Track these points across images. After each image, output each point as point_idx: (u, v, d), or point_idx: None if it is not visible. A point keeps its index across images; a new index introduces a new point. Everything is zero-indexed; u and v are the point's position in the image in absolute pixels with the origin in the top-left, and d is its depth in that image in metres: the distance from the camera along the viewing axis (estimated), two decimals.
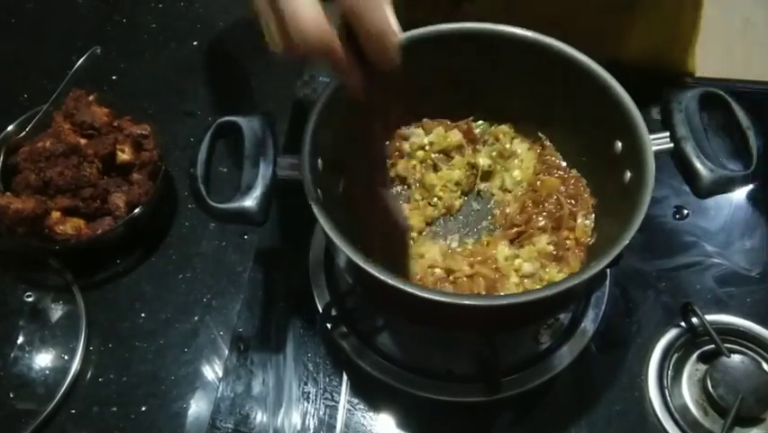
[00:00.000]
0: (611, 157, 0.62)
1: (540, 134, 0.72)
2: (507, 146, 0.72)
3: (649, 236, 0.74)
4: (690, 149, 0.58)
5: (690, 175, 0.58)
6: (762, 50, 1.22)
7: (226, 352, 0.69)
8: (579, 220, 0.66)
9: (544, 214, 0.67)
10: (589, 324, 0.68)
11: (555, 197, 0.67)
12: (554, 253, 0.65)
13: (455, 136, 0.71)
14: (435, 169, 0.71)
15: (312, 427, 0.64)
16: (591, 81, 0.61)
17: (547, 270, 0.64)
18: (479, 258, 0.65)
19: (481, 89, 0.70)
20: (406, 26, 0.48)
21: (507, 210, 0.68)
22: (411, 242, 0.67)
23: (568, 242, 0.65)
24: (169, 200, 0.79)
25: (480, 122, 0.73)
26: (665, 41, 0.86)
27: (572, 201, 0.67)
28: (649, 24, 0.83)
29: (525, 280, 0.64)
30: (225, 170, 0.77)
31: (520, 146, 0.72)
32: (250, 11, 0.46)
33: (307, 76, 0.88)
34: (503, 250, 0.65)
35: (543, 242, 0.65)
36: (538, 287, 0.64)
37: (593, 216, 0.66)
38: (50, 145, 0.72)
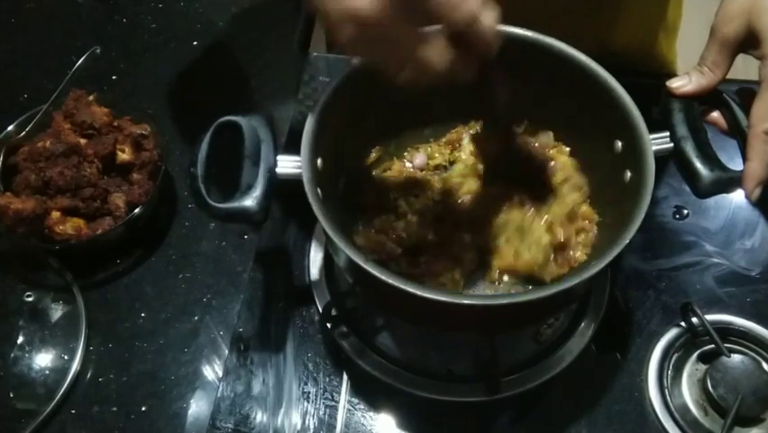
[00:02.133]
0: (611, 157, 0.62)
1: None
2: None
3: (649, 236, 0.74)
4: (690, 149, 0.58)
5: (690, 175, 0.58)
6: None
7: (226, 352, 0.69)
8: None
9: None
10: (589, 324, 0.68)
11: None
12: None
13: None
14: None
15: (312, 427, 0.64)
16: (591, 81, 0.61)
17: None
18: None
19: (481, 90, 0.70)
20: None
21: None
22: None
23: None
24: (168, 200, 0.79)
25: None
26: (651, 33, 0.87)
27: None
28: (636, 15, 0.84)
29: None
30: (225, 170, 0.77)
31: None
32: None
33: (307, 76, 0.88)
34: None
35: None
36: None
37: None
38: (50, 145, 0.72)
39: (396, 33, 0.45)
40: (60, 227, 0.70)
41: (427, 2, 0.44)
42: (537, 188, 0.67)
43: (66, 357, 0.68)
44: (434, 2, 0.44)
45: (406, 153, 0.74)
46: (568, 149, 0.70)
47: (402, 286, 0.50)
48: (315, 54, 0.90)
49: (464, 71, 0.49)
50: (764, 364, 0.64)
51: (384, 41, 0.46)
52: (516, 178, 0.68)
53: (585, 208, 0.67)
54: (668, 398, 0.64)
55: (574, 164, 0.68)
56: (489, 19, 0.46)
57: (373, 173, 0.71)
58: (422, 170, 0.73)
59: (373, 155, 0.71)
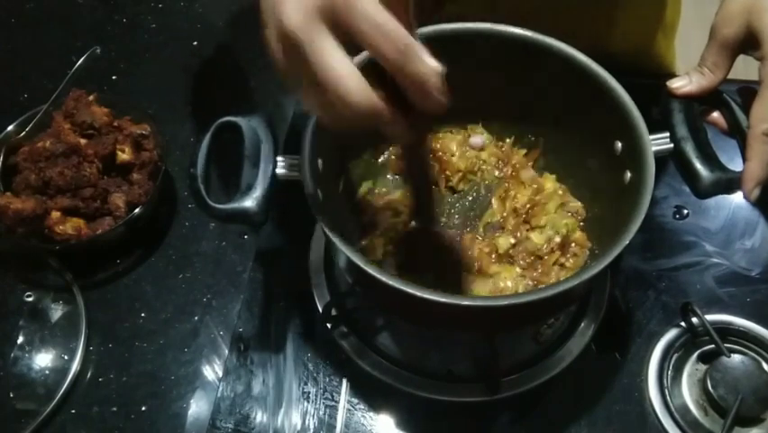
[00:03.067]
0: (611, 157, 0.62)
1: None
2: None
3: (649, 236, 0.74)
4: (690, 149, 0.58)
5: (690, 175, 0.58)
6: None
7: (226, 352, 0.69)
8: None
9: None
10: (589, 324, 0.68)
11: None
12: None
13: None
14: None
15: (312, 427, 0.64)
16: (591, 81, 0.61)
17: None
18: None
19: (480, 90, 0.70)
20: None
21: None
22: None
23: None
24: (169, 200, 0.79)
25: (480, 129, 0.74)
26: (650, 33, 0.87)
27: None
28: (635, 15, 0.84)
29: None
30: (225, 170, 0.77)
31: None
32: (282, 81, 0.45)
33: None
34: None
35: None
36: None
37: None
38: (50, 145, 0.72)
39: (309, 53, 0.40)
40: (60, 227, 0.70)
41: (352, 24, 0.40)
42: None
43: (66, 357, 0.68)
44: (358, 25, 0.39)
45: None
46: (554, 175, 0.71)
47: (402, 286, 0.50)
48: None
49: (396, 127, 0.43)
50: (764, 364, 0.64)
51: (301, 64, 0.41)
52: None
53: (578, 235, 0.67)
54: (668, 398, 0.64)
55: (563, 189, 0.69)
56: (419, 63, 0.40)
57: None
58: (481, 149, 0.72)
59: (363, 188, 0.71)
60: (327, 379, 0.67)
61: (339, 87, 0.40)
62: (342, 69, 0.40)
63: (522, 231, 0.67)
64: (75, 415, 0.65)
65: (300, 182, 0.56)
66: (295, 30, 0.40)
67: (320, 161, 0.59)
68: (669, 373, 0.66)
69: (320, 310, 0.69)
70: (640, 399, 0.65)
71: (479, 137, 0.73)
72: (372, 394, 0.66)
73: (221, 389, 0.66)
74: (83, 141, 0.74)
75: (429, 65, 0.40)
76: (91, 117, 0.75)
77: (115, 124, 0.77)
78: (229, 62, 0.93)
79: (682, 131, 0.59)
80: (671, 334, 0.68)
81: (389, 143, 0.71)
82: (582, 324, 0.68)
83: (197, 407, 0.66)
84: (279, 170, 0.57)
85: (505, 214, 0.69)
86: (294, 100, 0.86)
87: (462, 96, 0.71)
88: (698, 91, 0.60)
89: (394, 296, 0.52)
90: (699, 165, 0.57)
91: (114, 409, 0.65)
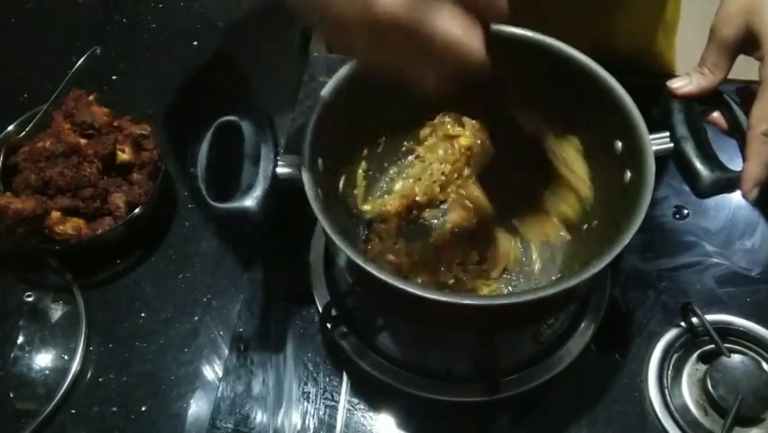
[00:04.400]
0: (611, 157, 0.62)
1: None
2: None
3: (649, 236, 0.74)
4: (690, 149, 0.58)
5: (690, 175, 0.58)
6: None
7: (226, 352, 0.69)
8: None
9: None
10: (589, 324, 0.68)
11: None
12: None
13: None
14: None
15: (312, 427, 0.64)
16: (591, 81, 0.61)
17: None
18: None
19: (480, 90, 0.70)
20: None
21: None
22: None
23: None
24: (169, 200, 0.79)
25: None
26: (650, 32, 0.87)
27: None
28: (635, 14, 0.84)
29: None
30: (225, 170, 0.77)
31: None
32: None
33: (307, 76, 0.88)
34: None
35: None
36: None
37: None
38: (50, 145, 0.72)
39: (421, 31, 0.41)
40: (60, 227, 0.70)
41: None
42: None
43: (66, 357, 0.68)
44: None
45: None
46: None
47: (402, 286, 0.50)
48: (315, 54, 0.90)
49: (481, 52, 0.44)
50: (764, 364, 0.64)
51: (405, 42, 0.41)
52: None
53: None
54: (668, 398, 0.64)
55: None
56: None
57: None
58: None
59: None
60: (327, 379, 0.67)
61: (463, 51, 0.42)
62: (461, 35, 0.42)
63: None
64: (75, 415, 0.65)
65: (300, 182, 0.56)
66: (398, 16, 0.40)
67: (320, 161, 0.59)
68: (669, 373, 0.66)
69: (320, 310, 0.69)
70: (640, 399, 0.65)
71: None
72: (372, 394, 0.66)
73: (221, 389, 0.66)
74: (83, 141, 0.74)
75: None
76: (91, 117, 0.75)
77: (115, 124, 0.77)
78: (229, 62, 0.93)
79: (682, 131, 0.59)
80: (671, 334, 0.68)
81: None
82: (582, 324, 0.68)
83: (197, 407, 0.66)
84: (279, 170, 0.57)
85: None
86: (294, 100, 0.86)
87: (463, 96, 0.71)
88: (698, 91, 0.60)
89: (394, 296, 0.52)
90: (699, 165, 0.57)
91: (114, 409, 0.65)
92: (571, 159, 0.69)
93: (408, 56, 0.43)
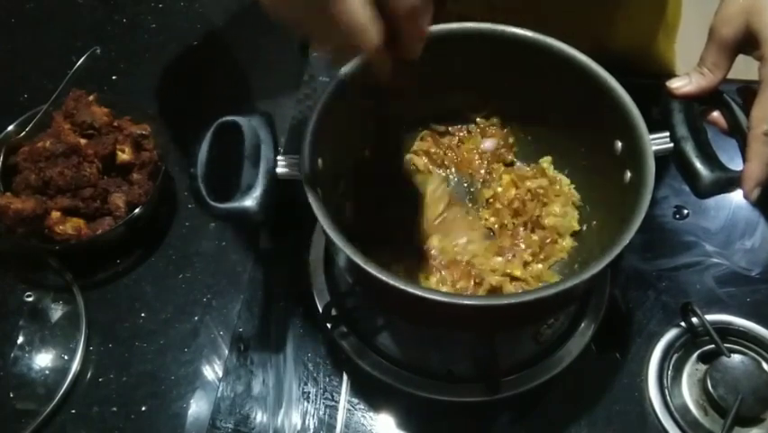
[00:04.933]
0: (611, 157, 0.62)
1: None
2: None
3: (649, 236, 0.74)
4: (690, 149, 0.58)
5: (690, 175, 0.58)
6: None
7: (226, 352, 0.69)
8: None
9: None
10: (589, 324, 0.68)
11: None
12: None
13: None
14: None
15: (312, 427, 0.64)
16: (591, 81, 0.61)
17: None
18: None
19: (480, 90, 0.70)
20: None
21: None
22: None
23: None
24: (168, 200, 0.79)
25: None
26: (651, 32, 0.87)
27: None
28: (635, 15, 0.84)
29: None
30: (225, 170, 0.77)
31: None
32: (281, 21, 0.48)
33: (307, 76, 0.88)
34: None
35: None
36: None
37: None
38: (50, 145, 0.72)
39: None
40: (60, 227, 0.70)
41: None
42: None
43: (66, 357, 0.68)
44: None
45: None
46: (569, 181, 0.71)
47: (402, 286, 0.50)
48: (315, 54, 0.90)
49: (381, 56, 0.47)
50: (764, 364, 0.64)
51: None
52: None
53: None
54: (668, 398, 0.64)
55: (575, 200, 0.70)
56: (421, 20, 0.46)
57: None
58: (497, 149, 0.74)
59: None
60: (327, 379, 0.67)
61: (360, 33, 0.44)
62: (364, 16, 0.44)
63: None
64: (75, 415, 0.65)
65: (300, 182, 0.56)
66: None
67: (320, 161, 0.59)
68: (669, 373, 0.66)
69: (320, 310, 0.69)
70: (640, 399, 0.65)
71: (489, 141, 0.73)
72: (372, 394, 0.66)
73: (221, 389, 0.66)
74: (83, 141, 0.74)
75: (424, 23, 0.46)
76: (91, 117, 0.75)
77: (115, 124, 0.77)
78: (229, 62, 0.93)
79: (682, 131, 0.59)
80: (671, 334, 0.68)
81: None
82: (582, 324, 0.68)
83: (197, 407, 0.66)
84: (279, 170, 0.57)
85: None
86: (294, 100, 0.86)
87: (462, 96, 0.72)
88: (697, 91, 0.60)
89: (394, 296, 0.52)
90: (699, 165, 0.57)
91: (114, 409, 0.65)
92: (552, 174, 0.71)
93: (309, 12, 0.45)
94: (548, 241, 0.67)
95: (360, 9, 0.43)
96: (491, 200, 0.71)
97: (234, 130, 0.59)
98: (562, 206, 0.68)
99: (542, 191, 0.68)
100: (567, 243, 0.68)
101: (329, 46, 0.49)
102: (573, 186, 0.70)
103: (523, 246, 0.67)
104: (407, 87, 0.55)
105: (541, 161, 0.72)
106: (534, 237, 0.67)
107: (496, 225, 0.69)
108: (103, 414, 0.65)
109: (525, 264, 0.66)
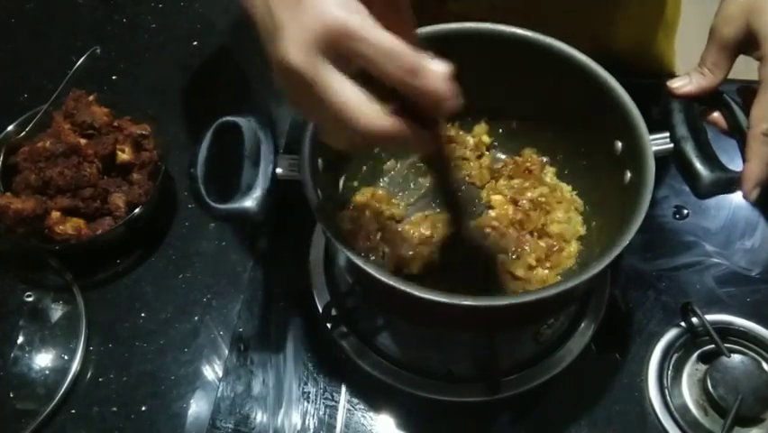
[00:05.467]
0: (611, 157, 0.62)
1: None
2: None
3: (649, 236, 0.74)
4: (690, 149, 0.58)
5: (690, 175, 0.58)
6: None
7: (226, 352, 0.69)
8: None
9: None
10: (589, 324, 0.68)
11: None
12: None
13: None
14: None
15: (312, 427, 0.64)
16: (591, 81, 0.61)
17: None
18: None
19: (480, 90, 0.70)
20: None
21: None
22: None
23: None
24: (168, 200, 0.79)
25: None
26: (650, 31, 0.87)
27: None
28: (635, 14, 0.84)
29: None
30: (225, 170, 0.77)
31: None
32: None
33: None
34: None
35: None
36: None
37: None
38: (50, 145, 0.72)
39: (318, 89, 0.39)
40: (60, 227, 0.70)
41: (356, 52, 0.39)
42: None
43: (66, 357, 0.68)
44: (363, 52, 0.39)
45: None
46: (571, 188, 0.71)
47: (402, 286, 0.50)
48: None
49: (417, 140, 0.43)
50: (764, 364, 0.64)
51: (310, 97, 0.40)
52: None
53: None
54: (668, 398, 0.64)
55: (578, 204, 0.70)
56: (429, 76, 0.40)
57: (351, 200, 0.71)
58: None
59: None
60: (327, 379, 0.67)
61: (354, 120, 0.40)
62: (353, 101, 0.40)
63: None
64: (75, 415, 0.65)
65: (300, 182, 0.56)
66: (297, 68, 0.39)
67: (320, 161, 0.59)
68: (669, 373, 0.66)
69: (320, 310, 0.69)
70: (640, 399, 0.65)
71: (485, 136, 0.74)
72: (372, 394, 0.66)
73: (221, 389, 0.66)
74: (83, 141, 0.74)
75: (438, 75, 0.40)
76: (91, 117, 0.75)
77: (115, 124, 0.77)
78: (229, 62, 0.93)
79: (682, 131, 0.59)
80: (671, 334, 0.68)
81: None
82: (582, 324, 0.68)
83: (197, 407, 0.66)
84: (279, 170, 0.57)
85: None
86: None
87: (462, 96, 0.72)
88: (698, 91, 0.60)
89: (394, 296, 0.52)
90: (699, 165, 0.57)
91: (114, 409, 0.65)
92: (551, 181, 0.71)
93: (313, 107, 0.41)
94: (555, 249, 0.67)
95: (347, 93, 0.40)
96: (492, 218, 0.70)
97: (234, 130, 0.59)
98: (566, 212, 0.68)
99: (543, 199, 0.68)
100: (573, 248, 0.67)
101: (338, 141, 0.44)
102: (575, 192, 0.70)
103: (528, 249, 0.67)
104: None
105: (544, 172, 0.71)
106: (542, 244, 0.67)
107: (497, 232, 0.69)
108: (103, 414, 0.65)
109: (530, 268, 0.66)
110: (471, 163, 0.73)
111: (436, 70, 0.40)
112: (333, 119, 0.40)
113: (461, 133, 0.74)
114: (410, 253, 0.66)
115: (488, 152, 0.74)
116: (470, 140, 0.73)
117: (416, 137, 0.43)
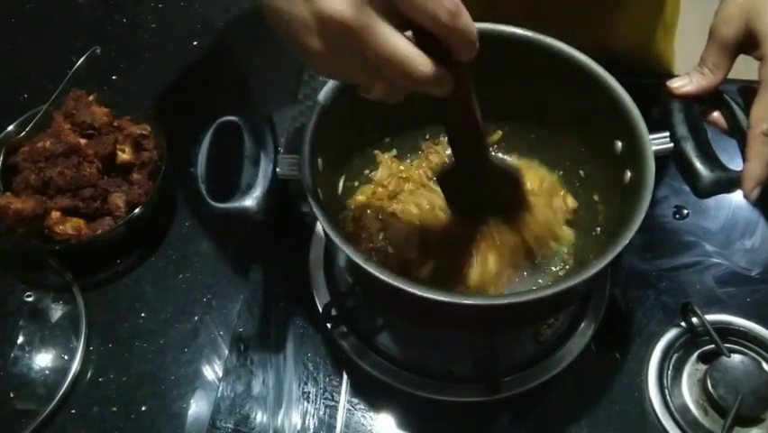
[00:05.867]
0: (611, 157, 0.62)
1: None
2: None
3: (649, 236, 0.74)
4: (690, 149, 0.58)
5: (690, 175, 0.58)
6: None
7: (226, 352, 0.69)
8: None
9: None
10: (589, 324, 0.68)
11: None
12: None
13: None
14: None
15: (312, 427, 0.64)
16: (591, 81, 0.61)
17: None
18: None
19: (480, 90, 0.70)
20: None
21: None
22: None
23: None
24: (168, 200, 0.79)
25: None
26: (649, 31, 0.87)
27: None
28: (635, 14, 0.84)
29: None
30: (225, 170, 0.77)
31: None
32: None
33: (307, 76, 0.88)
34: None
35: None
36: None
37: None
38: (50, 145, 0.72)
39: (367, 39, 0.41)
40: (60, 227, 0.70)
41: (401, 2, 0.41)
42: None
43: (66, 357, 0.68)
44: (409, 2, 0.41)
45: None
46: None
47: (402, 286, 0.50)
48: None
49: (441, 80, 0.44)
50: (764, 364, 0.64)
51: (355, 48, 0.42)
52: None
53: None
54: (668, 398, 0.64)
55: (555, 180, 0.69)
56: (465, 17, 0.42)
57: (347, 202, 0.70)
58: None
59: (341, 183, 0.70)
60: (327, 379, 0.67)
61: (406, 66, 0.41)
62: (405, 48, 0.41)
63: None
64: (75, 415, 0.65)
65: (300, 182, 0.56)
66: (346, 19, 0.40)
67: (320, 161, 0.59)
68: (669, 373, 0.66)
69: (320, 310, 0.69)
70: (640, 399, 0.65)
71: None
72: (372, 394, 0.66)
73: (221, 389, 0.66)
74: (83, 141, 0.74)
75: (469, 18, 0.42)
76: (91, 117, 0.75)
77: (115, 124, 0.77)
78: (229, 62, 0.93)
79: (682, 131, 0.59)
80: (671, 334, 0.68)
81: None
82: (582, 324, 0.68)
83: (197, 407, 0.66)
84: (279, 170, 0.57)
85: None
86: (294, 100, 0.86)
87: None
88: (698, 91, 0.60)
89: (394, 296, 0.52)
90: (699, 165, 0.57)
91: (114, 409, 0.65)
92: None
93: (353, 62, 0.43)
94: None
95: (398, 41, 0.41)
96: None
97: (234, 130, 0.59)
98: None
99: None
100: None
101: (381, 92, 0.47)
102: (579, 185, 0.70)
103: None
104: (471, 90, 0.52)
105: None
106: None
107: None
108: (103, 414, 0.65)
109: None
110: None
111: (467, 15, 0.42)
112: (384, 69, 0.42)
113: None
114: (415, 255, 0.66)
115: None
116: None
117: (450, 79, 0.45)
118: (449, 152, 0.73)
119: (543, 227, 0.66)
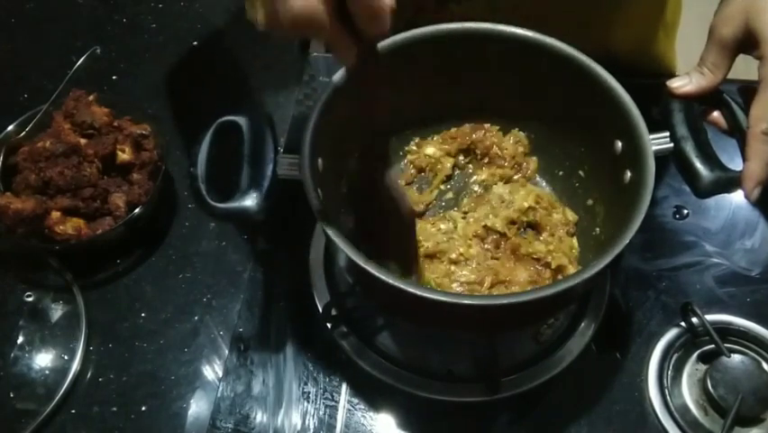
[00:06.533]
0: (611, 157, 0.62)
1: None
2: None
3: (649, 236, 0.74)
4: (690, 149, 0.58)
5: (690, 175, 0.58)
6: None
7: (226, 352, 0.69)
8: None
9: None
10: (589, 324, 0.68)
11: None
12: None
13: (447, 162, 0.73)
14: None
15: (312, 427, 0.64)
16: (591, 81, 0.61)
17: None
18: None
19: (480, 90, 0.70)
20: (392, 30, 0.48)
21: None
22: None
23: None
24: (168, 200, 0.79)
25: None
26: (650, 32, 0.87)
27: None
28: (635, 16, 0.84)
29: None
30: (225, 170, 0.77)
31: None
32: None
33: (307, 76, 0.88)
34: None
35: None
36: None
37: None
38: (50, 145, 0.72)
39: None
40: (60, 227, 0.70)
41: None
42: None
43: (66, 357, 0.68)
44: None
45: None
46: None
47: (402, 286, 0.50)
48: (314, 54, 0.90)
49: (338, 42, 0.44)
50: (764, 364, 0.64)
51: None
52: None
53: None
54: (668, 398, 0.64)
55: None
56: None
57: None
58: None
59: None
60: (327, 379, 0.67)
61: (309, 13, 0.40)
62: None
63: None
64: (75, 415, 0.65)
65: (300, 182, 0.56)
66: None
67: (320, 161, 0.59)
68: (669, 373, 0.66)
69: (320, 310, 0.69)
70: (640, 399, 0.65)
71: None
72: (372, 394, 0.66)
73: (221, 389, 0.66)
74: (83, 141, 0.74)
75: None
76: (91, 117, 0.75)
77: (115, 124, 0.77)
78: (229, 62, 0.93)
79: (682, 131, 0.59)
80: (671, 334, 0.68)
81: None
82: (582, 324, 0.68)
83: (197, 407, 0.66)
84: (279, 170, 0.57)
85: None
86: (294, 100, 0.86)
87: (463, 96, 0.72)
88: (698, 91, 0.60)
89: (394, 296, 0.52)
90: (699, 165, 0.57)
91: (114, 409, 0.65)
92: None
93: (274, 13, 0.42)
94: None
95: (320, 9, 0.40)
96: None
97: (234, 130, 0.59)
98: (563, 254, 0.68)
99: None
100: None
101: (262, 15, 0.44)
102: (580, 189, 0.70)
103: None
104: (382, 91, 0.52)
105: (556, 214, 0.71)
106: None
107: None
108: (103, 414, 0.65)
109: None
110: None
111: None
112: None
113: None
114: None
115: None
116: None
117: (338, 39, 0.44)
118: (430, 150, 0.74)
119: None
